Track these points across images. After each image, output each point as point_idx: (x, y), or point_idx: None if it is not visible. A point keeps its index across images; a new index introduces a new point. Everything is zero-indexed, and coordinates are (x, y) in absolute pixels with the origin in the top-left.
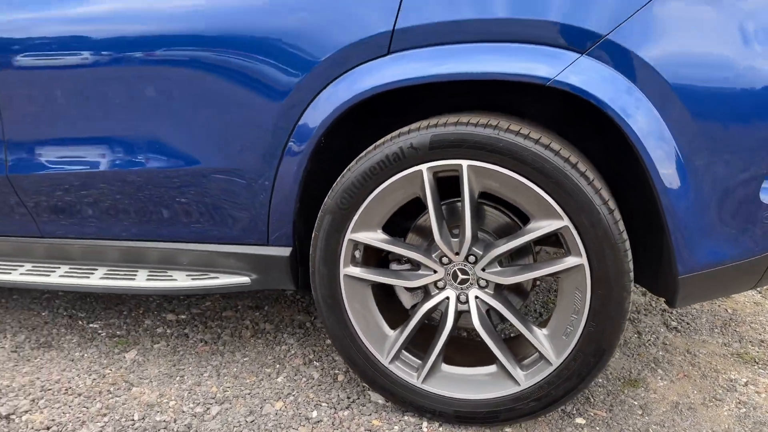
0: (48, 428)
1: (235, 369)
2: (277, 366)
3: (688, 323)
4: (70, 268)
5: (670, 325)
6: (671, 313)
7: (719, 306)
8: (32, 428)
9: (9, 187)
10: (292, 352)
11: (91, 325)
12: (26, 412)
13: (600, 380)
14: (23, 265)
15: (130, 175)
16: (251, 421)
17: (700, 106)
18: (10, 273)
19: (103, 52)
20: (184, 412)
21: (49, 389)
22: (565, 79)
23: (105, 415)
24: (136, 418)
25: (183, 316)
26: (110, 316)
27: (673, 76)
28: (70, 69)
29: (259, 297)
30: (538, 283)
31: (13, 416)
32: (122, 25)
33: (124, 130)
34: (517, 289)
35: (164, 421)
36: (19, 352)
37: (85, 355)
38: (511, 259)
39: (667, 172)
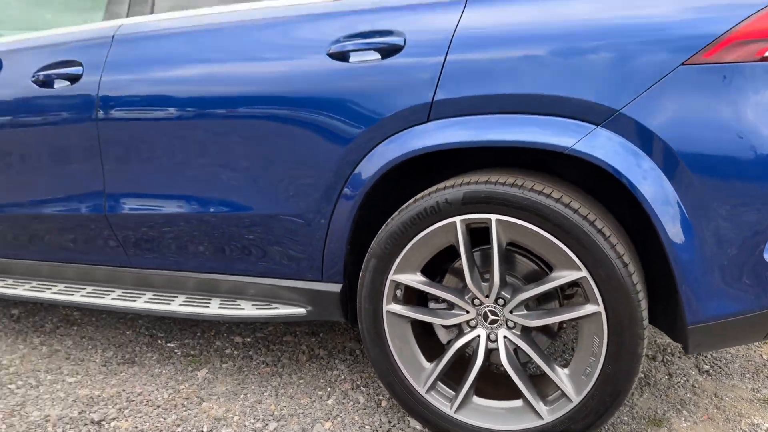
0: None
1: (291, 390)
2: (328, 389)
3: (720, 367)
4: (154, 295)
5: (702, 368)
6: (705, 356)
7: (755, 351)
8: None
9: (106, 224)
10: (342, 377)
11: (168, 344)
12: (114, 419)
13: (625, 417)
14: (114, 291)
15: (206, 216)
16: None
17: (704, 172)
18: (103, 297)
19: (187, 110)
20: (245, 426)
21: (133, 400)
22: (581, 148)
23: (179, 425)
24: (204, 429)
25: (248, 339)
26: (185, 337)
27: (680, 144)
28: (159, 127)
29: (315, 324)
30: (564, 325)
31: (103, 422)
32: (207, 86)
33: (203, 179)
34: (545, 330)
35: None
36: (108, 366)
37: (163, 371)
38: (539, 302)
39: (674, 230)
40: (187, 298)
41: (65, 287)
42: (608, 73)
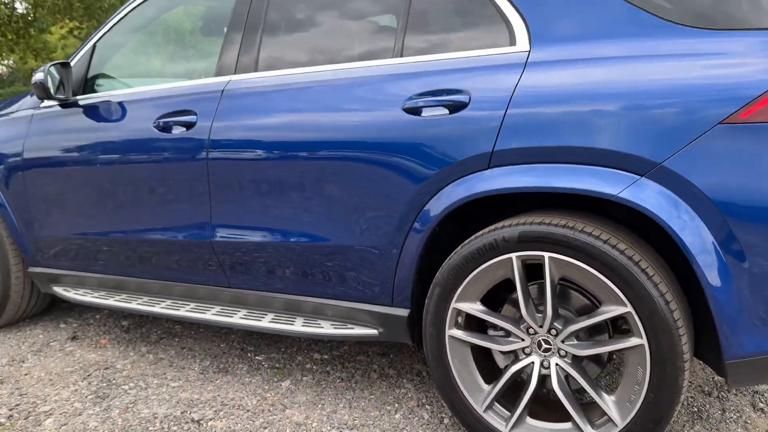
0: None
1: (363, 403)
2: (396, 405)
3: None
4: (247, 312)
5: (756, 406)
6: (762, 395)
7: None
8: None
9: (210, 249)
10: (409, 395)
11: (257, 357)
12: (211, 419)
13: None
14: (214, 308)
15: (292, 245)
16: None
17: (739, 220)
18: (204, 313)
19: (281, 153)
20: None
21: (226, 404)
22: (626, 196)
23: (266, 428)
24: None
25: (326, 357)
26: (271, 351)
27: (717, 195)
28: (259, 167)
29: (386, 346)
30: (614, 356)
31: (201, 421)
32: (298, 133)
33: (291, 212)
34: (595, 358)
35: None
36: (205, 374)
37: (252, 380)
38: (590, 333)
39: (712, 274)
40: (275, 315)
41: (171, 303)
42: (651, 130)
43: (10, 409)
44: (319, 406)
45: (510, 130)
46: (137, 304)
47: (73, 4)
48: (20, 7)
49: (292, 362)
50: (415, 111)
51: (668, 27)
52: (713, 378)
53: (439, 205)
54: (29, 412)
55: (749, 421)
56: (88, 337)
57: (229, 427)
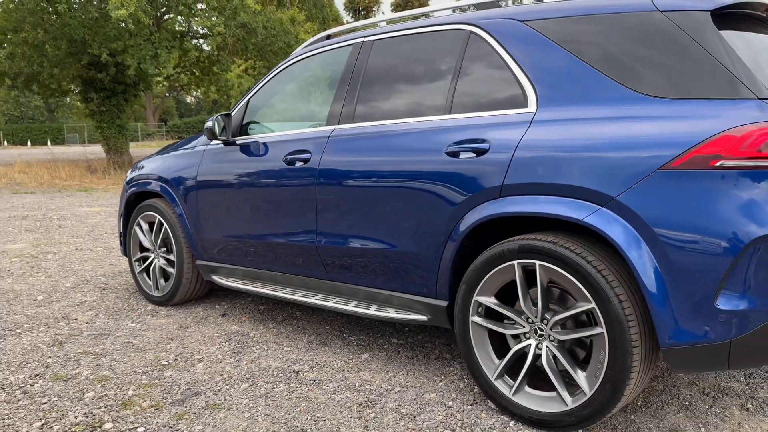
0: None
1: (418, 373)
2: (443, 377)
3: (762, 407)
4: (340, 299)
5: (745, 406)
6: (756, 398)
7: None
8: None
9: (315, 250)
10: (455, 372)
11: (350, 337)
12: (306, 372)
13: (651, 426)
14: (317, 294)
15: (371, 249)
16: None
17: (667, 239)
18: (310, 298)
19: (365, 181)
20: (381, 386)
21: (319, 364)
22: (589, 220)
23: (341, 380)
24: (356, 384)
25: (401, 341)
26: (361, 334)
27: (653, 220)
28: (350, 191)
29: (449, 336)
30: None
31: (300, 372)
32: (378, 167)
33: (370, 225)
34: (580, 343)
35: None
36: (309, 345)
37: (342, 351)
38: (576, 324)
39: (647, 276)
40: (358, 303)
41: (290, 290)
42: (611, 173)
43: (176, 356)
44: (384, 371)
45: (514, 170)
46: (267, 290)
47: (249, 48)
48: (207, 49)
49: (374, 343)
50: (454, 154)
51: (633, 96)
52: (719, 384)
53: (467, 222)
54: (187, 358)
55: (729, 416)
56: (233, 315)
57: (317, 378)
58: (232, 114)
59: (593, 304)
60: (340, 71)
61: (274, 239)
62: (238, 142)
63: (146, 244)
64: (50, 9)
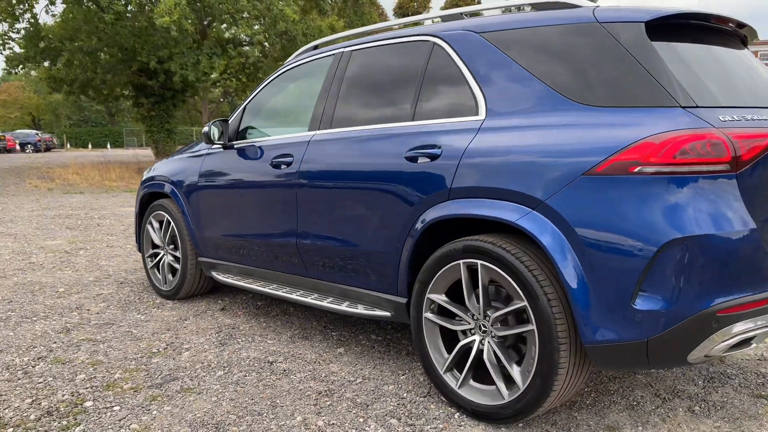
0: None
1: (385, 367)
2: (408, 372)
3: (708, 411)
4: (318, 296)
5: (692, 409)
6: (705, 401)
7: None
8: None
9: (296, 249)
10: (421, 368)
11: (332, 333)
12: (279, 362)
13: (591, 423)
14: (299, 291)
15: (340, 248)
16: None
17: (590, 241)
18: (292, 294)
19: (333, 184)
20: (345, 377)
21: (295, 356)
22: (521, 223)
23: (310, 371)
24: (323, 375)
25: (380, 338)
26: (343, 331)
27: (578, 224)
28: (326, 193)
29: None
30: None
31: (273, 363)
32: (346, 170)
33: (340, 224)
34: (522, 340)
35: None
36: (292, 339)
37: (320, 345)
38: (518, 321)
39: (569, 276)
40: (333, 299)
41: (277, 286)
42: (541, 177)
43: (167, 345)
44: (353, 364)
45: (460, 175)
46: (257, 286)
47: (289, 54)
48: (250, 56)
49: (353, 338)
50: (413, 159)
51: (570, 104)
52: (675, 386)
53: (421, 223)
54: (176, 347)
55: (672, 417)
56: (231, 309)
57: (288, 368)
58: (230, 121)
59: (525, 302)
60: (323, 79)
61: (262, 238)
62: (235, 146)
63: (157, 241)
64: (103, 18)
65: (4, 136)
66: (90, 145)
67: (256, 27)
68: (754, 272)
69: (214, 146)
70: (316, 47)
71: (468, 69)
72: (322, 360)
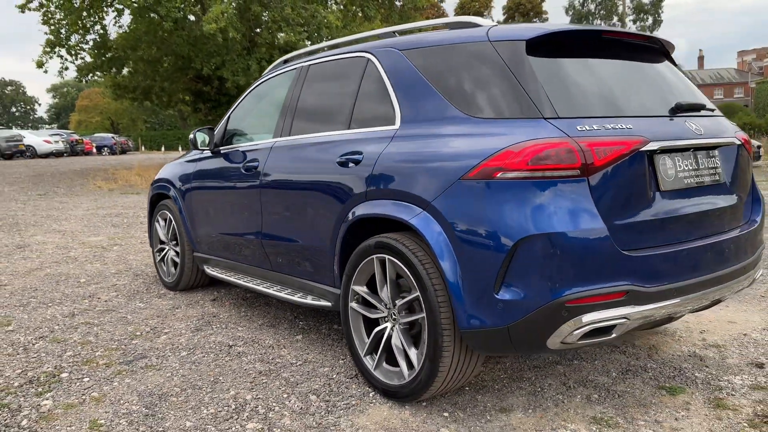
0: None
1: (327, 341)
2: (348, 355)
3: (612, 397)
4: (279, 287)
5: (591, 397)
6: (604, 388)
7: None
8: None
9: (261, 246)
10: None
11: (300, 323)
12: (238, 347)
13: (488, 404)
14: (266, 283)
15: (288, 244)
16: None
17: (465, 241)
18: (260, 286)
19: (283, 184)
20: (292, 361)
21: (255, 341)
22: (412, 222)
23: (263, 356)
24: (271, 358)
25: (340, 328)
26: (312, 322)
27: (455, 222)
28: (280, 194)
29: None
30: None
31: (233, 347)
32: (295, 175)
33: (293, 225)
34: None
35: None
36: (260, 327)
37: (284, 332)
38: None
39: (449, 274)
40: (290, 291)
41: (249, 278)
42: (429, 181)
43: (151, 329)
44: (304, 350)
45: (374, 178)
46: (235, 278)
47: None
48: None
49: (315, 328)
50: (343, 164)
51: (460, 116)
52: (587, 377)
53: (347, 221)
54: (158, 331)
55: (566, 402)
56: (220, 300)
57: (243, 351)
58: (216, 130)
59: (418, 293)
60: (286, 91)
61: (239, 236)
62: (220, 151)
63: (162, 237)
64: (162, 26)
65: (82, 139)
66: (163, 148)
67: (301, 34)
68: (602, 267)
69: (205, 151)
70: (286, 61)
71: (390, 82)
72: (278, 345)
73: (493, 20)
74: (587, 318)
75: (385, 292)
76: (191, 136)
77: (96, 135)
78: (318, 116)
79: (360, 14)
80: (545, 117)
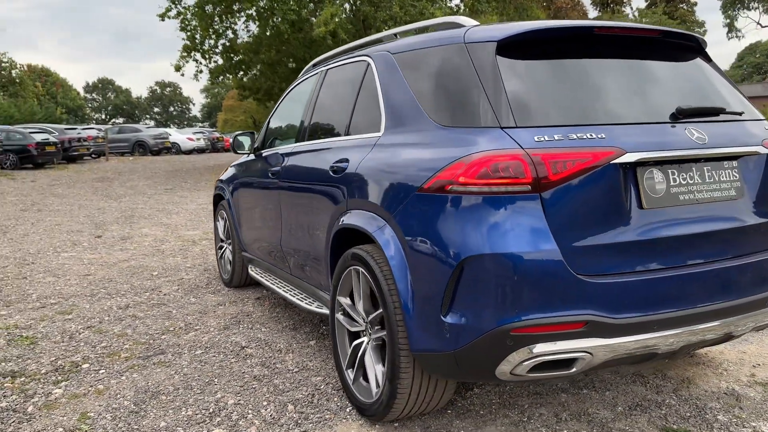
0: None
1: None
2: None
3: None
4: (295, 292)
5: (560, 415)
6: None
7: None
8: None
9: (280, 248)
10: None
11: (322, 325)
12: (249, 348)
13: (462, 430)
14: (288, 287)
15: (302, 251)
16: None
17: (417, 259)
18: (280, 289)
19: (292, 186)
20: (277, 366)
21: (268, 344)
22: (375, 234)
23: (270, 360)
24: (280, 345)
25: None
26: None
27: (410, 236)
28: (290, 195)
29: None
30: None
31: (245, 348)
32: (304, 181)
33: (302, 231)
34: None
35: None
36: (282, 330)
37: (300, 338)
38: None
39: (404, 293)
40: (303, 296)
41: (278, 281)
42: (394, 193)
43: (185, 325)
44: (309, 357)
45: (353, 187)
46: (266, 281)
47: None
48: None
49: (316, 331)
50: (335, 171)
51: (429, 122)
52: (587, 409)
53: (335, 229)
54: (189, 328)
55: (535, 422)
56: (262, 300)
57: (252, 354)
58: (258, 133)
59: (381, 310)
60: (308, 95)
61: (268, 238)
62: (260, 154)
63: (221, 235)
64: (279, 29)
65: (222, 137)
66: None
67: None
68: (554, 294)
69: (249, 155)
70: (314, 65)
71: (380, 87)
72: (288, 350)
73: (632, 8)
74: (538, 349)
75: (360, 305)
76: (231, 140)
77: (235, 133)
78: (327, 121)
79: (470, 9)
80: (502, 126)
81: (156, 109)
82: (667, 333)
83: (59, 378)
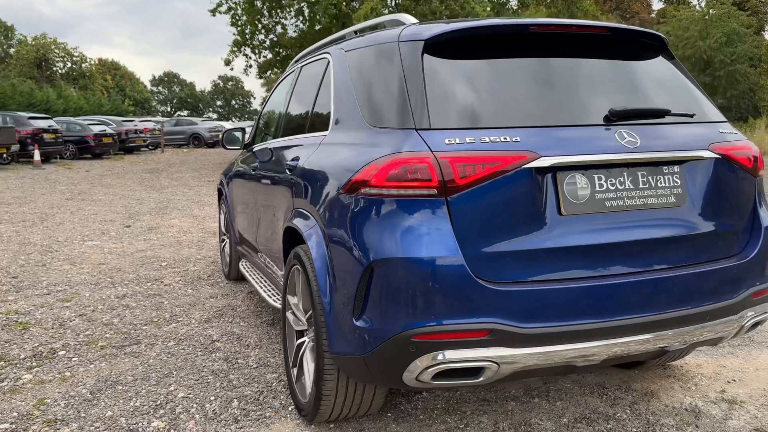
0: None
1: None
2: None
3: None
4: (265, 285)
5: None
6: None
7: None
8: None
9: (257, 244)
10: None
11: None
12: (221, 341)
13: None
14: (263, 282)
15: (269, 247)
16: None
17: (334, 262)
18: (256, 284)
19: (265, 181)
20: (245, 366)
21: (240, 338)
22: (305, 233)
23: (238, 352)
24: (251, 341)
25: None
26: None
27: (331, 234)
28: (252, 188)
29: None
30: None
31: (217, 341)
32: (271, 174)
33: (269, 227)
34: None
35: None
36: (261, 323)
37: (275, 333)
38: None
39: (324, 294)
40: (271, 291)
41: (257, 276)
42: (321, 191)
43: (171, 316)
44: (272, 355)
45: (299, 186)
46: (249, 275)
47: None
48: None
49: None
50: (290, 168)
51: (360, 122)
52: (504, 406)
53: (284, 226)
54: (174, 319)
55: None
56: (254, 293)
57: (220, 348)
58: (247, 127)
59: (311, 311)
60: (285, 92)
61: (251, 233)
62: (253, 149)
63: (222, 228)
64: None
65: None
66: None
67: None
68: (457, 300)
69: (242, 150)
70: (296, 61)
71: (333, 85)
72: (256, 345)
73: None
74: (441, 356)
75: (301, 305)
76: (220, 136)
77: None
78: (296, 118)
79: (520, 2)
80: (417, 128)
81: (218, 103)
82: (581, 345)
83: (33, 364)
